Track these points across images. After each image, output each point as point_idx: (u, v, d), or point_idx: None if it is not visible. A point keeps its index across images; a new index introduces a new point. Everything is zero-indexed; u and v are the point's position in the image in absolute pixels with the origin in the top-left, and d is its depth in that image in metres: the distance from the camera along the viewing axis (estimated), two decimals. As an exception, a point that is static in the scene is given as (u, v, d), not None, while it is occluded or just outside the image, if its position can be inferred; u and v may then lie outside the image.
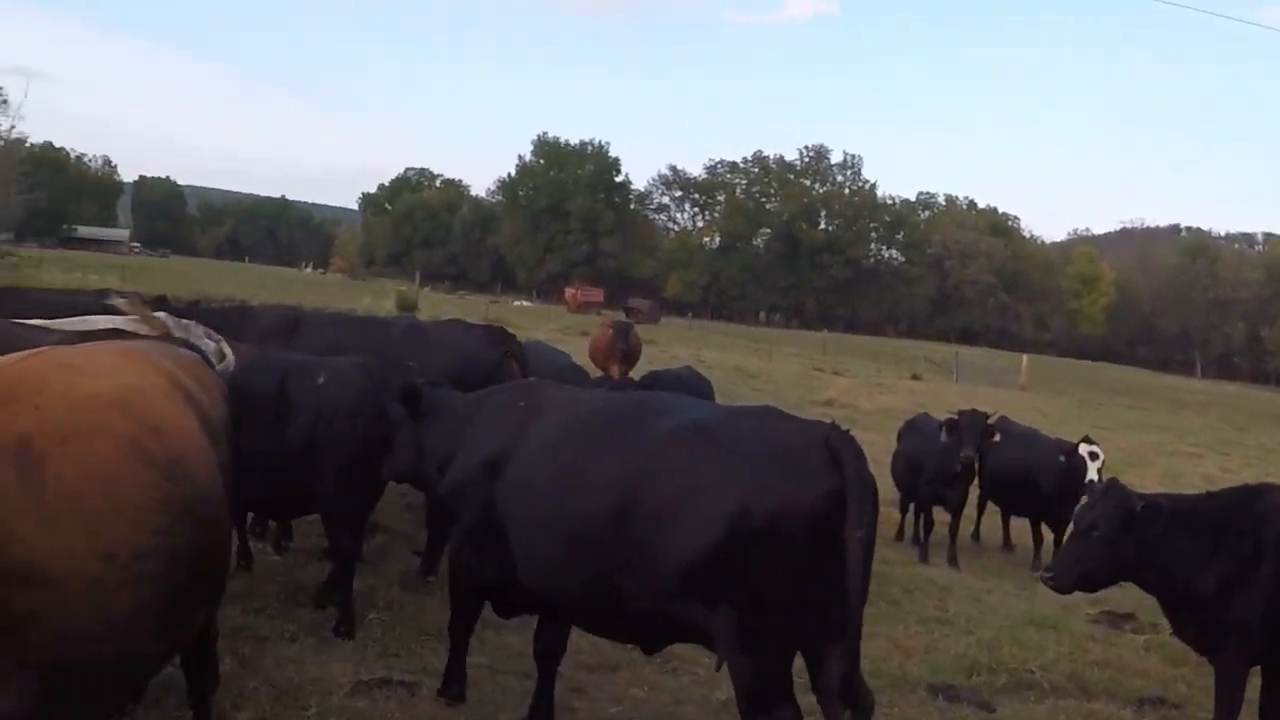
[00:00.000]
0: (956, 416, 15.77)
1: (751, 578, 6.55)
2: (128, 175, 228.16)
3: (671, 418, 7.32)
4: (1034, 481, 16.13)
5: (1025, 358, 77.83)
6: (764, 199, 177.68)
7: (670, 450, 7.01)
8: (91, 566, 4.60)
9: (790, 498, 6.54)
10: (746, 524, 6.51)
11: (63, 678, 4.65)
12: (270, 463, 9.40)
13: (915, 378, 60.20)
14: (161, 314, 10.70)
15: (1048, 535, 16.47)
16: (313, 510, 10.57)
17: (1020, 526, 17.59)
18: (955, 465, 15.52)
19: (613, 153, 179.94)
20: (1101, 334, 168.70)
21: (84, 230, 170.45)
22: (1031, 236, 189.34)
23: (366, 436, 9.71)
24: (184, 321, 10.26)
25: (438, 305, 64.62)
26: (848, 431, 6.92)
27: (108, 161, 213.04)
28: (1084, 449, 15.73)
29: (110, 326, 9.61)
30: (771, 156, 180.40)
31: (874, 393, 43.44)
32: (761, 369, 52.09)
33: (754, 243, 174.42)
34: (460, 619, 8.61)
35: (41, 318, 10.20)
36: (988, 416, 15.89)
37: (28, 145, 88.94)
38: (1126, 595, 12.20)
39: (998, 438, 15.84)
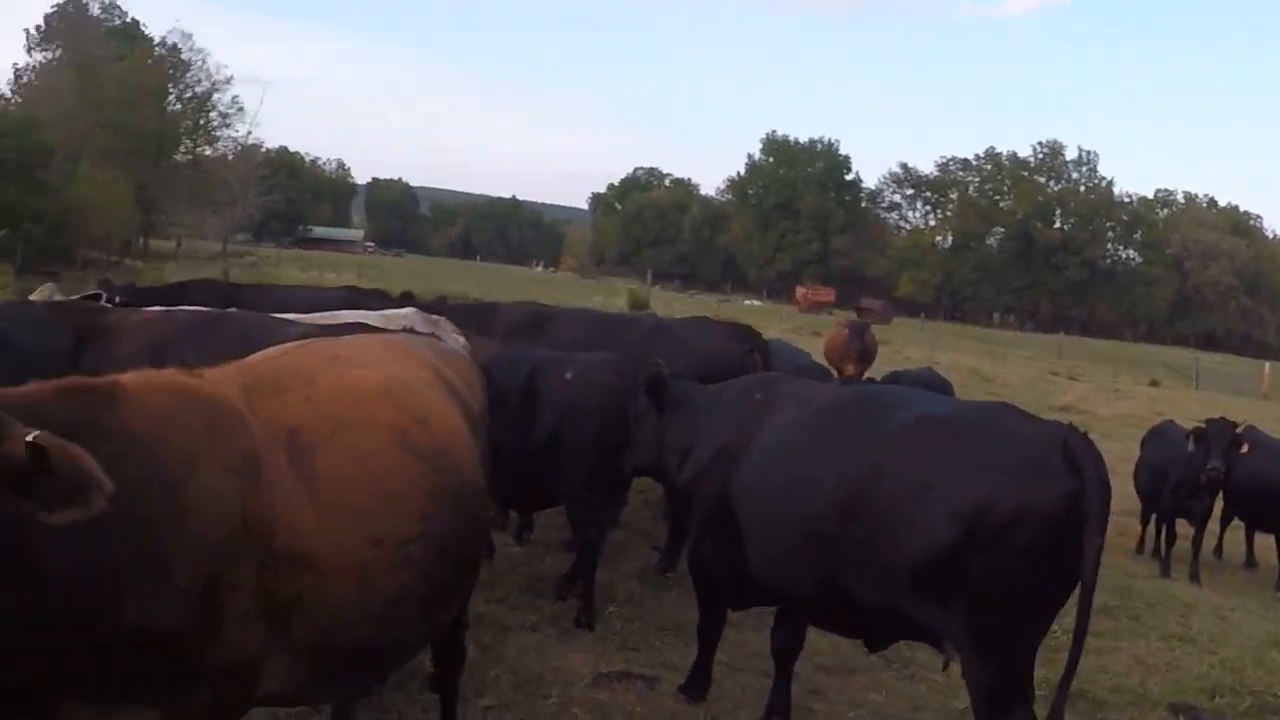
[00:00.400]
0: (1204, 425, 15.28)
1: (986, 577, 6.44)
2: (361, 177, 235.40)
3: (907, 412, 7.26)
4: (1284, 496, 15.52)
5: (1268, 365, 75.06)
6: (997, 197, 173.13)
7: (906, 445, 6.94)
8: (358, 553, 4.74)
9: (1029, 497, 6.43)
10: (982, 522, 6.41)
11: (327, 659, 4.79)
12: (518, 456, 9.51)
13: (1154, 384, 58.58)
14: (409, 309, 10.98)
15: (1294, 554, 15.76)
16: (558, 503, 10.73)
17: (1265, 544, 16.98)
18: (1201, 476, 15.03)
19: (843, 150, 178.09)
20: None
21: (319, 231, 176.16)
22: (1275, 236, 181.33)
23: (613, 431, 9.82)
24: (433, 317, 10.51)
25: (669, 304, 64.89)
26: (1086, 434, 6.78)
27: (341, 164, 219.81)
28: (1341, 464, 15.13)
29: (357, 321, 9.86)
30: (1004, 153, 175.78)
31: (1111, 399, 42.51)
32: (996, 372, 51.30)
33: (987, 242, 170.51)
34: (708, 617, 8.61)
35: (290, 312, 10.57)
36: (1236, 426, 15.33)
37: (264, 150, 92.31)
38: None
39: (1246, 448, 15.22)
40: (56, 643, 3.92)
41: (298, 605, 4.53)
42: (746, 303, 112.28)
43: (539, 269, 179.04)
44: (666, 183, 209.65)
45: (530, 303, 16.52)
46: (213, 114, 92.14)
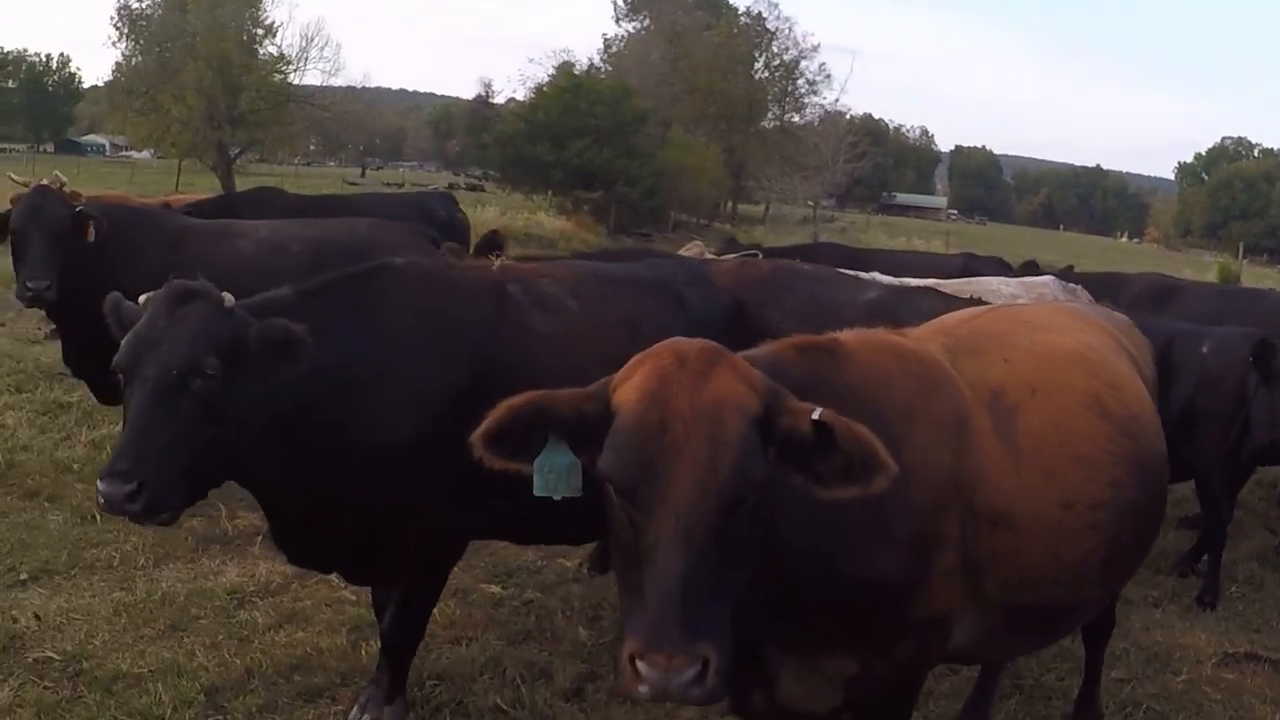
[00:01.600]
0: None
1: None
2: (944, 145, 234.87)
3: None
4: None
5: None
6: None
7: None
8: (1052, 513, 4.82)
9: None
10: None
11: (1010, 617, 4.93)
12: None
13: None
14: (1048, 277, 11.05)
15: None
16: (1186, 478, 10.58)
17: None
18: None
19: None
20: None
21: (902, 197, 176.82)
22: None
23: (1247, 406, 9.60)
24: (1071, 286, 10.55)
25: (1259, 280, 61.33)
26: None
27: (925, 132, 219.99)
28: None
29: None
30: None
31: None
32: None
33: None
34: None
35: (910, 276, 10.86)
36: None
37: (849, 117, 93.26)
38: None
39: None
40: (788, 599, 4.21)
41: (992, 562, 4.66)
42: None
43: (1123, 239, 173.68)
44: (1255, 153, 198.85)
45: (1155, 274, 16.19)
46: (800, 81, 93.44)
